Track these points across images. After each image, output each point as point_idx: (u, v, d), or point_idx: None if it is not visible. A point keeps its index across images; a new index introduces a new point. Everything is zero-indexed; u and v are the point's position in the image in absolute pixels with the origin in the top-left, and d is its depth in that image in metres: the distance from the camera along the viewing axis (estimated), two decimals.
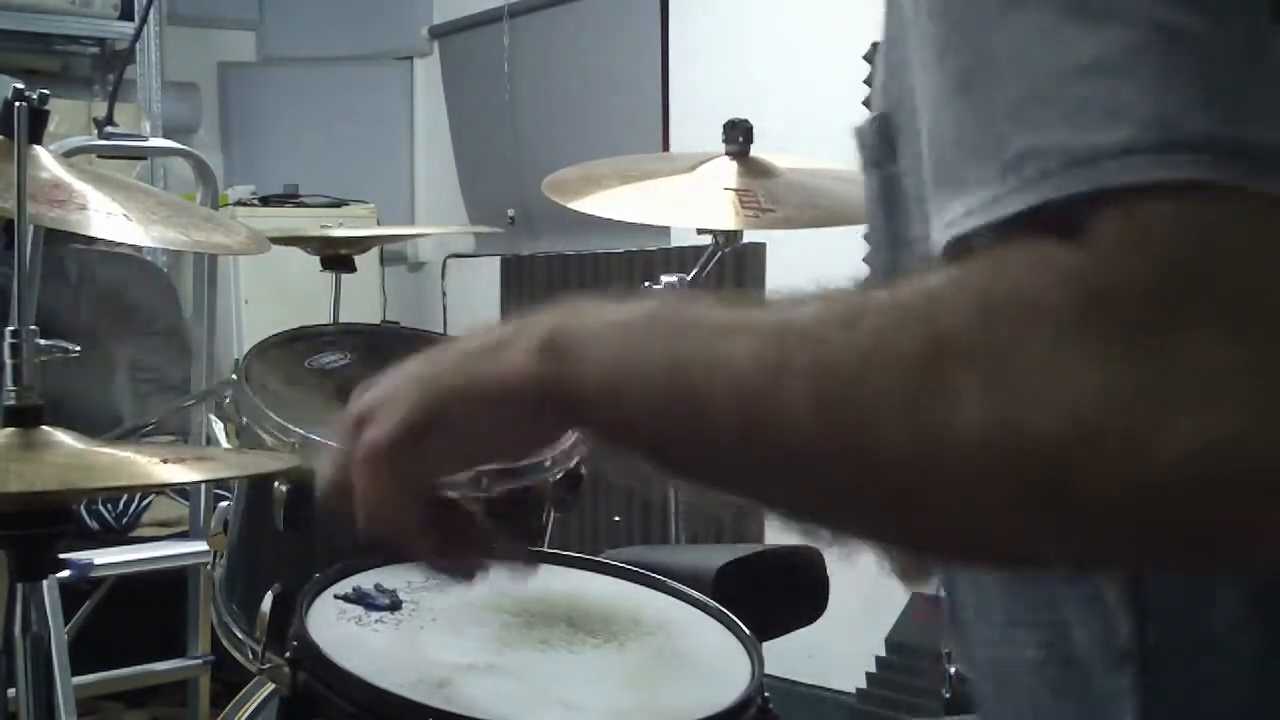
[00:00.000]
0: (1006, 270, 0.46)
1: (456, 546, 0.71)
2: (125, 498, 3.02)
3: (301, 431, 1.29)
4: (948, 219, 0.49)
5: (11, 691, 1.29)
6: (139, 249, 3.57)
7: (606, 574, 1.16)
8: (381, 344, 1.61)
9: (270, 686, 1.33)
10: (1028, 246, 0.46)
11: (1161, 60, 0.46)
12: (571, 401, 0.58)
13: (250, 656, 1.25)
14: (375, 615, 1.02)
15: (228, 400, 1.44)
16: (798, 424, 0.49)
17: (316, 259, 2.14)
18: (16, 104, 1.28)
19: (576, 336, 0.57)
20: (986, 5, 0.50)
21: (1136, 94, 0.45)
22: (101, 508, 3.00)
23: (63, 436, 1.19)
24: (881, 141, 0.66)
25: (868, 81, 2.93)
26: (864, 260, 0.71)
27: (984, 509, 0.47)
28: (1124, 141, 0.45)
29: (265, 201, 4.09)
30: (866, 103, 3.28)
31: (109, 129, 2.06)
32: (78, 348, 1.33)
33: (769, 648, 1.03)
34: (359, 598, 1.04)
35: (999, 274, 0.46)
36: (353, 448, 0.66)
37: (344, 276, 2.13)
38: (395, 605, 1.03)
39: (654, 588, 1.13)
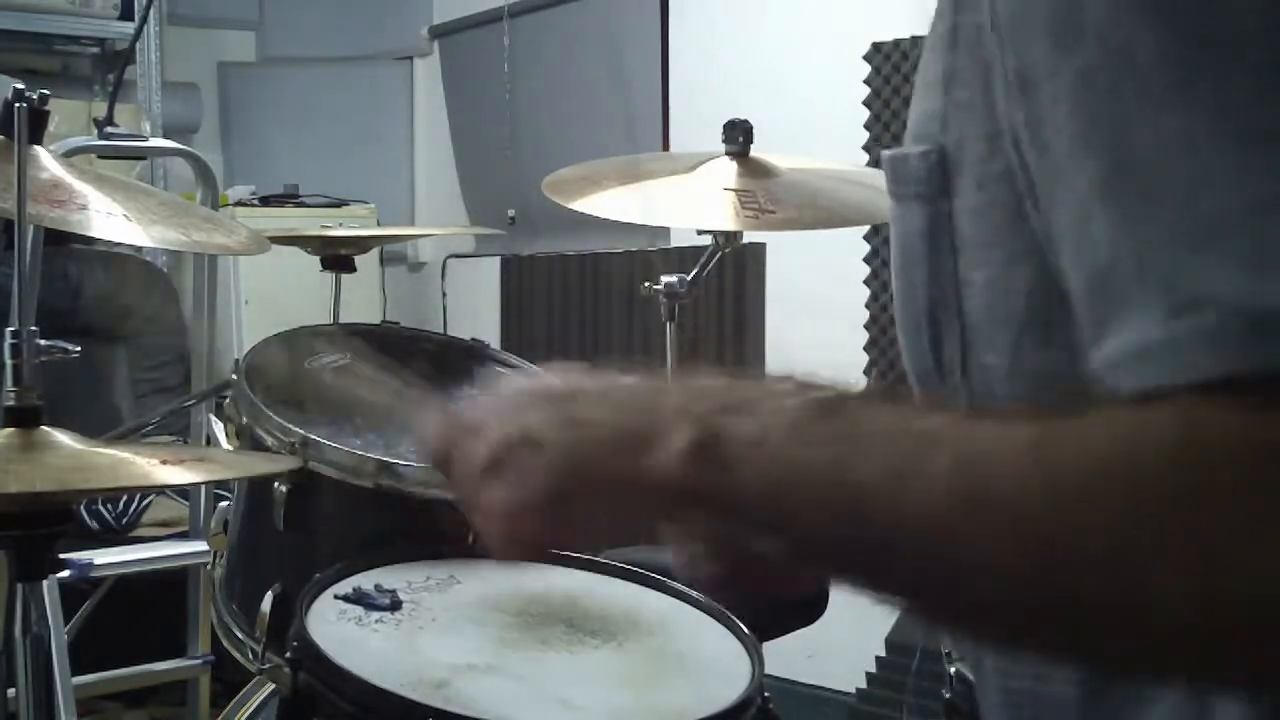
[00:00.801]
0: (1204, 439, 0.46)
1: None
2: (125, 498, 3.02)
3: (301, 431, 1.29)
4: (1110, 347, 0.50)
5: (11, 691, 1.29)
6: (139, 249, 3.57)
7: (606, 574, 1.16)
8: (381, 344, 1.61)
9: (270, 686, 1.33)
10: (1221, 410, 0.46)
11: None
12: (724, 510, 0.57)
13: (250, 656, 1.24)
14: (375, 615, 1.02)
15: (228, 400, 1.44)
16: (984, 560, 0.50)
17: (316, 259, 2.14)
18: (16, 104, 1.28)
19: (734, 443, 0.56)
20: (1146, 87, 0.49)
21: None
22: (101, 508, 3.00)
23: (63, 437, 1.19)
24: (934, 176, 0.64)
25: (868, 82, 2.94)
26: (897, 294, 0.70)
27: (1185, 663, 0.48)
28: None
29: (265, 201, 4.09)
30: (867, 103, 3.27)
31: (109, 129, 2.06)
32: (78, 348, 1.33)
33: (769, 648, 1.03)
34: (359, 598, 1.04)
35: (1197, 439, 0.46)
36: (479, 489, 0.65)
37: (344, 276, 2.13)
38: (395, 605, 1.03)
39: (654, 588, 1.13)
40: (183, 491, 2.64)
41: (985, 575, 0.50)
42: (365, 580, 1.06)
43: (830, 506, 0.54)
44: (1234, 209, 0.46)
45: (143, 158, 3.72)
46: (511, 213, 3.95)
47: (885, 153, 0.69)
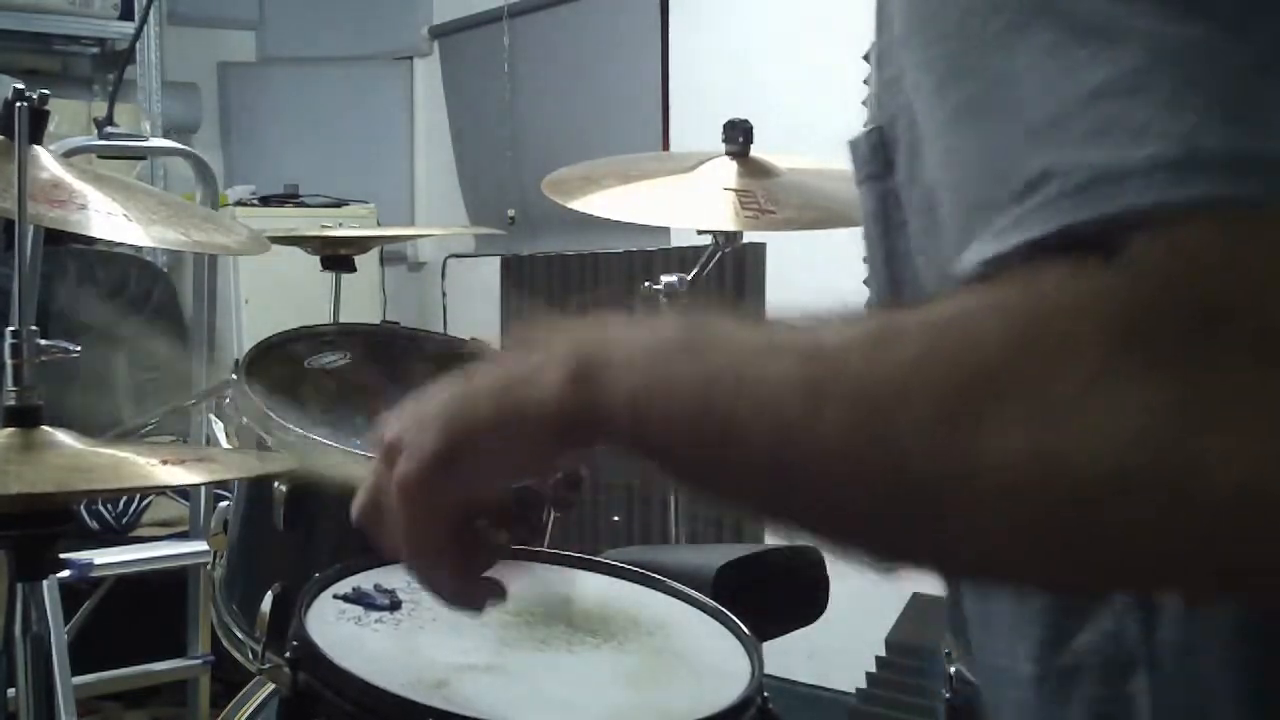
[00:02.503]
0: (1040, 295, 0.45)
1: (476, 575, 0.72)
2: (125, 498, 3.02)
3: (301, 431, 1.29)
4: (974, 245, 0.49)
5: (11, 691, 1.29)
6: (139, 249, 3.57)
7: (606, 574, 1.16)
8: (381, 344, 1.61)
9: (270, 686, 1.33)
10: (1059, 268, 0.45)
11: (1177, 76, 0.45)
12: (601, 426, 0.58)
13: (250, 656, 1.24)
14: (375, 615, 1.02)
15: (228, 400, 1.44)
16: (830, 448, 0.49)
17: (316, 259, 2.14)
18: (16, 104, 1.28)
19: (605, 361, 0.57)
20: (988, 30, 0.49)
21: (1154, 111, 0.45)
22: (101, 508, 3.00)
23: (63, 437, 1.19)
24: (876, 155, 0.66)
25: (868, 82, 2.93)
26: (864, 280, 0.71)
27: (1020, 538, 0.46)
28: (1148, 160, 0.44)
29: (265, 201, 4.09)
30: (867, 103, 3.27)
31: (109, 129, 2.06)
32: (78, 348, 1.33)
33: (769, 648, 1.03)
34: (359, 598, 1.04)
35: (1032, 298, 0.46)
36: (385, 476, 0.66)
37: (344, 276, 2.13)
38: (395, 605, 1.03)
39: (654, 588, 1.13)
40: (183, 491, 2.64)
41: (831, 464, 0.49)
42: (365, 580, 1.06)
43: (685, 406, 0.54)
44: (1077, 97, 0.46)
45: (143, 158, 3.73)
46: (511, 213, 3.95)
47: (848, 141, 0.70)
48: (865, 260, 0.70)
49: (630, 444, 0.58)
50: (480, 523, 0.71)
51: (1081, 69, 0.46)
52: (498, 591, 0.74)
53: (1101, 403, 0.43)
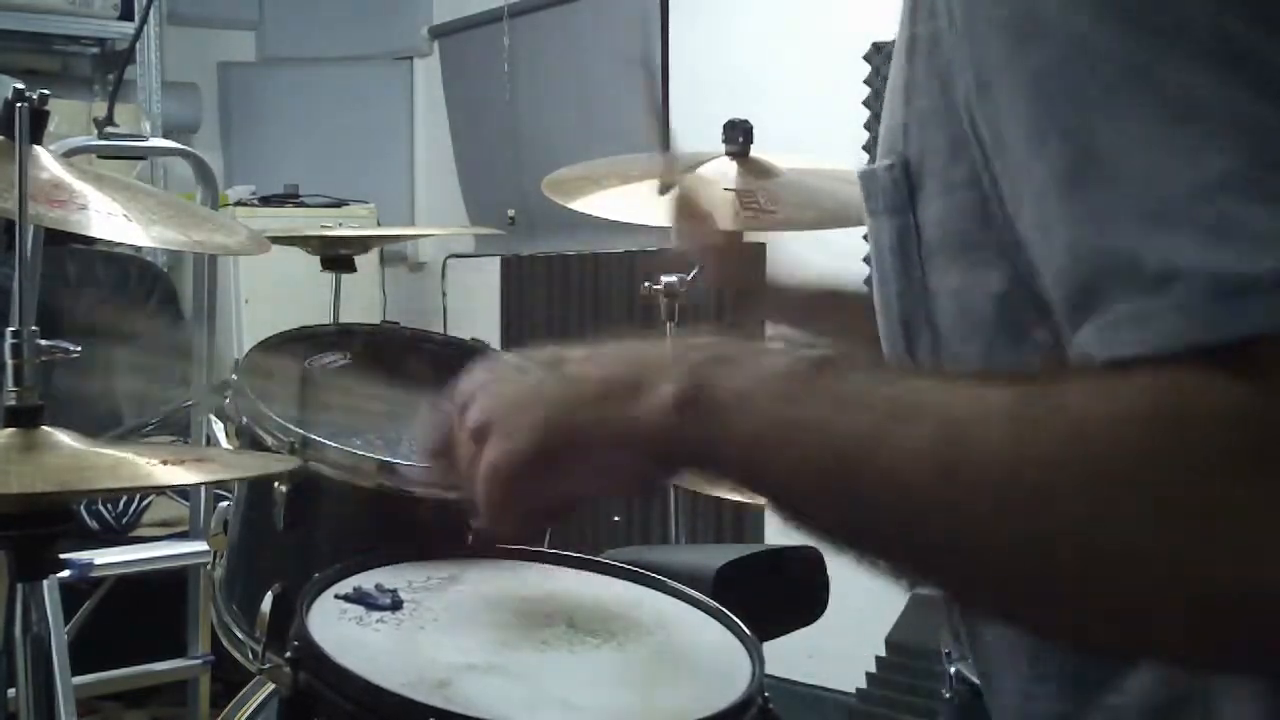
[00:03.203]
0: (1179, 405, 0.46)
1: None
2: (125, 498, 3.02)
3: (301, 431, 1.29)
4: (1092, 326, 0.50)
5: (11, 691, 1.29)
6: (139, 249, 3.57)
7: (606, 574, 1.15)
8: (381, 344, 1.60)
9: (270, 686, 1.33)
10: (1195, 376, 0.46)
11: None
12: (710, 459, 0.57)
13: (250, 656, 1.24)
14: (376, 615, 1.01)
15: (228, 400, 1.44)
16: (962, 538, 0.50)
17: (316, 259, 2.14)
18: (17, 104, 1.28)
19: (721, 394, 0.56)
20: (1092, 84, 0.49)
21: (1272, 216, 0.45)
22: (101, 508, 3.00)
23: (63, 437, 1.19)
24: (899, 189, 0.65)
25: (868, 82, 2.93)
26: (875, 306, 0.70)
27: (1159, 635, 0.48)
28: (1270, 274, 0.45)
29: (265, 201, 4.09)
30: (867, 103, 3.28)
31: (109, 129, 2.06)
32: (78, 348, 1.33)
33: (769, 648, 1.03)
34: (359, 598, 1.03)
35: (1171, 407, 0.47)
36: (469, 453, 0.65)
37: (344, 276, 2.13)
38: (396, 605, 1.03)
39: (654, 588, 1.12)
40: (183, 491, 2.64)
41: (962, 539, 0.50)
42: (365, 580, 1.06)
43: (813, 463, 0.54)
44: (1191, 188, 0.47)
45: (143, 158, 3.72)
46: (511, 213, 3.94)
47: (858, 170, 0.69)
48: (875, 290, 0.69)
49: (737, 480, 0.58)
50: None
51: (1193, 156, 0.47)
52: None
53: (1245, 509, 0.45)
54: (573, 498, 0.68)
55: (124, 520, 3.05)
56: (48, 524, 1.15)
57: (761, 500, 0.58)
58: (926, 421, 0.51)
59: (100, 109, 2.61)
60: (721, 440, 0.56)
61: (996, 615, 0.55)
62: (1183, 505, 0.45)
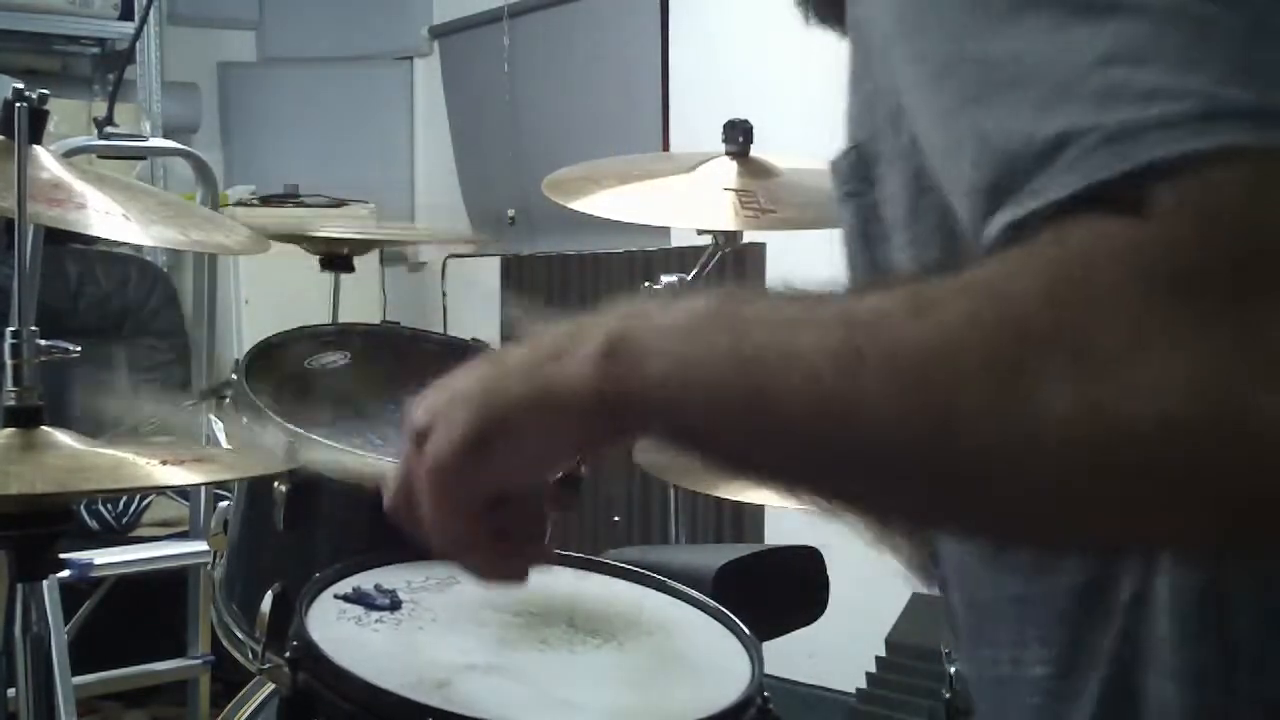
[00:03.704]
0: (1072, 251, 0.45)
1: (515, 551, 0.72)
2: (125, 498, 3.02)
3: (301, 431, 1.29)
4: (997, 216, 0.49)
5: (11, 691, 1.29)
6: (139, 249, 3.57)
7: (606, 574, 1.16)
8: (381, 344, 1.61)
9: (270, 686, 1.33)
10: (1089, 225, 0.45)
11: (1181, 42, 0.46)
12: (635, 407, 0.57)
13: (250, 656, 1.24)
14: (375, 615, 1.02)
15: (228, 400, 1.44)
16: (875, 416, 0.49)
17: (316, 259, 2.14)
18: (16, 104, 1.28)
19: (637, 340, 0.57)
20: (985, 16, 0.50)
21: (1165, 75, 0.45)
22: (101, 508, 3.00)
23: (63, 437, 1.19)
24: (856, 173, 0.66)
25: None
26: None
27: (1071, 495, 0.46)
28: (1162, 116, 0.44)
29: (265, 201, 4.09)
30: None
31: (109, 129, 2.06)
32: (78, 348, 1.33)
33: (769, 648, 1.03)
34: (359, 598, 1.04)
35: (1066, 256, 0.45)
36: (414, 462, 0.65)
37: (344, 276, 2.13)
38: (395, 605, 1.03)
39: (654, 588, 1.13)
40: (183, 491, 2.64)
41: (870, 435, 0.49)
42: (365, 580, 1.06)
43: (724, 382, 0.54)
44: (1085, 66, 0.47)
45: (143, 158, 3.72)
46: (511, 213, 3.94)
47: (829, 162, 0.70)
48: (849, 277, 0.70)
49: (664, 424, 0.58)
50: (515, 504, 0.71)
51: (1085, 43, 0.47)
52: (539, 559, 0.74)
53: (1149, 353, 0.43)
54: (519, 480, 0.68)
55: (124, 520, 3.05)
56: (48, 524, 1.15)
57: (690, 453, 0.58)
58: (830, 326, 0.51)
59: (100, 109, 2.61)
60: (640, 387, 0.56)
61: (927, 520, 0.54)
62: (1092, 348, 0.44)
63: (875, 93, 0.61)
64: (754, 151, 1.81)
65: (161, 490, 2.87)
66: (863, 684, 2.88)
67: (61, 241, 3.07)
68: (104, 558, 2.12)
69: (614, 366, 0.57)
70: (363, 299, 3.80)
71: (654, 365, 0.56)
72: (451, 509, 0.65)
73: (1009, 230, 0.48)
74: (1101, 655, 0.59)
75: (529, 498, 0.73)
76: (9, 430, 1.19)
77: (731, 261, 2.86)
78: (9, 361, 1.23)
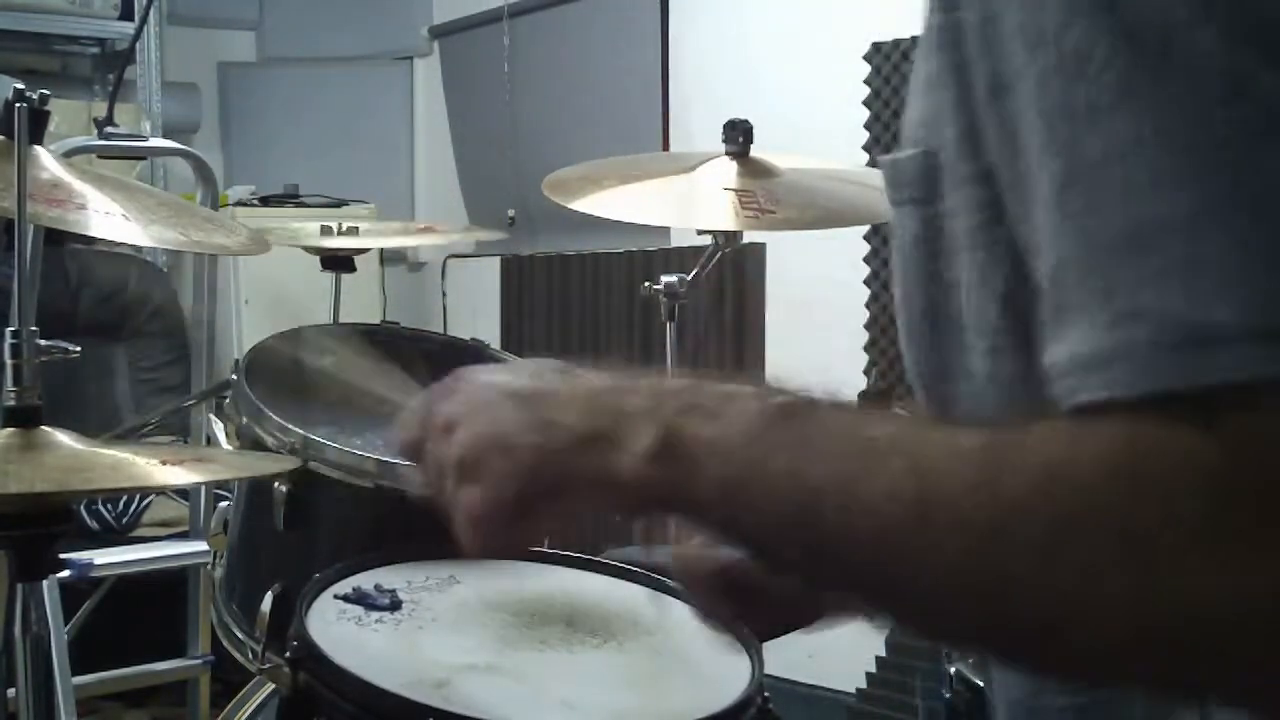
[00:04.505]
0: (1143, 452, 0.48)
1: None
2: (125, 498, 3.02)
3: (301, 431, 1.29)
4: (1056, 353, 0.51)
5: (11, 691, 1.29)
6: (139, 249, 3.57)
7: (606, 574, 1.16)
8: (381, 344, 1.61)
9: (270, 686, 1.33)
10: (1159, 424, 0.47)
11: (1260, 217, 0.46)
12: (688, 511, 0.59)
13: (250, 656, 1.24)
14: (375, 615, 1.02)
15: (228, 400, 1.44)
16: (936, 572, 0.51)
17: (316, 259, 2.14)
18: (16, 104, 1.28)
19: (694, 443, 0.58)
20: (1080, 106, 0.50)
21: (1245, 264, 0.46)
22: (101, 508, 3.00)
23: (63, 437, 1.19)
24: (924, 180, 0.65)
25: (868, 82, 2.94)
26: (898, 300, 0.70)
27: (1112, 667, 0.50)
28: (1237, 324, 0.46)
29: (265, 201, 4.08)
30: (867, 103, 3.27)
31: (109, 129, 2.06)
32: (78, 348, 1.33)
33: (769, 648, 1.03)
34: (359, 598, 1.04)
35: (1137, 455, 0.48)
36: (449, 487, 0.66)
37: (344, 276, 2.13)
38: (395, 605, 1.03)
39: (654, 588, 1.13)
40: (183, 491, 2.64)
41: (930, 582, 0.52)
42: (365, 580, 1.06)
43: (784, 507, 0.55)
44: (1167, 220, 0.47)
45: (143, 158, 3.72)
46: (511, 213, 3.94)
47: (883, 159, 0.69)
48: (897, 285, 0.69)
49: (712, 526, 0.59)
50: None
51: (1171, 186, 0.47)
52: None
53: (1201, 561, 0.46)
54: (549, 531, 0.71)
55: (124, 520, 3.05)
56: (48, 524, 1.15)
57: (740, 547, 0.60)
58: (896, 463, 0.52)
59: (100, 109, 2.60)
60: (693, 489, 0.57)
61: (966, 649, 0.57)
62: (1148, 547, 0.47)
63: (951, 105, 0.60)
64: (754, 151, 1.81)
65: (161, 490, 2.87)
66: (863, 684, 2.88)
67: (61, 241, 3.07)
68: (104, 558, 2.11)
69: (666, 472, 0.58)
70: (363, 299, 3.80)
71: (710, 475, 0.57)
72: (482, 540, 0.67)
73: (1079, 405, 0.50)
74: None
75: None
76: (9, 430, 1.19)
77: (731, 261, 2.87)
78: (9, 361, 1.23)
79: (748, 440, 0.56)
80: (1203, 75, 0.47)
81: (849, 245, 2.78)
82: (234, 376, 1.43)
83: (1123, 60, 0.49)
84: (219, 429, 1.97)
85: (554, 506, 0.64)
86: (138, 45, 3.80)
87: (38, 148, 1.39)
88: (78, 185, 1.43)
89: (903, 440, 0.54)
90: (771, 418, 0.57)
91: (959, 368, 0.64)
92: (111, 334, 3.61)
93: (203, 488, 2.26)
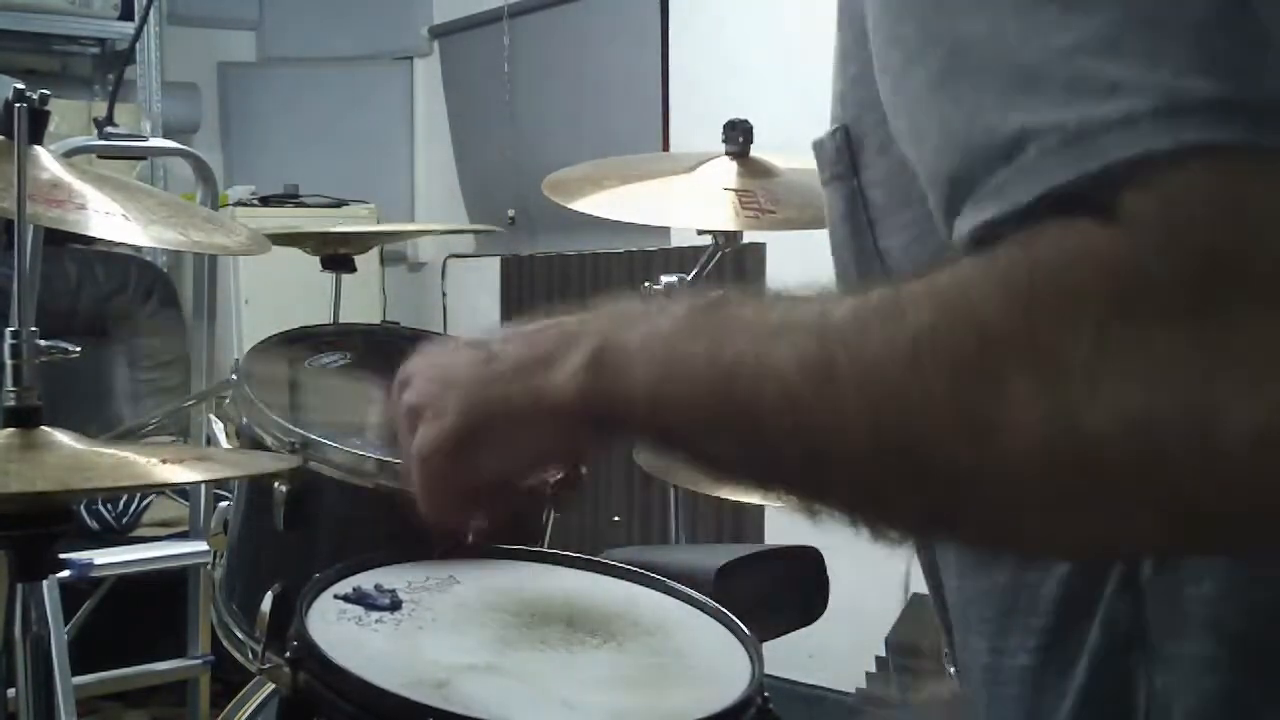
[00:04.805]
0: (1040, 258, 0.45)
1: (496, 530, 0.75)
2: (125, 498, 3.02)
3: (301, 431, 1.29)
4: (963, 212, 0.49)
5: (11, 691, 1.29)
6: (139, 249, 3.57)
7: (606, 574, 1.16)
8: (381, 344, 1.61)
9: (270, 686, 1.33)
10: (1055, 230, 0.45)
11: (1145, 34, 0.45)
12: (619, 417, 0.59)
13: (250, 656, 1.24)
14: (375, 615, 1.01)
15: (228, 400, 1.44)
16: (848, 428, 0.49)
17: (316, 259, 2.14)
18: (16, 104, 1.28)
19: (620, 350, 0.58)
20: None
21: (1128, 67, 0.45)
22: (101, 508, 3.00)
23: (63, 437, 1.19)
24: (842, 155, 0.66)
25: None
26: (836, 278, 0.71)
27: (1043, 505, 0.47)
28: (1124, 112, 0.44)
29: (265, 201, 4.09)
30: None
31: (109, 129, 2.06)
32: (78, 348, 1.33)
33: (769, 648, 1.03)
34: (359, 598, 1.03)
35: (1033, 263, 0.46)
36: (406, 430, 0.68)
37: (344, 276, 2.13)
38: (395, 605, 1.03)
39: (654, 588, 1.12)
40: (182, 491, 2.64)
41: (849, 445, 0.50)
42: (365, 580, 1.06)
43: (703, 395, 0.55)
44: (1049, 54, 0.46)
45: (143, 158, 3.72)
46: (511, 213, 3.94)
47: (812, 141, 0.70)
48: (834, 260, 0.71)
49: (647, 433, 0.59)
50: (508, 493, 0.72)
51: (1050, 30, 0.46)
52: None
53: (1113, 361, 0.43)
54: (507, 476, 0.71)
55: (124, 520, 3.05)
56: (48, 524, 1.15)
57: (677, 459, 0.60)
58: (805, 335, 0.51)
59: (100, 109, 2.60)
60: (625, 393, 0.58)
61: (907, 527, 0.55)
62: (1056, 357, 0.44)
63: (862, 74, 0.61)
64: (754, 151, 1.81)
65: (161, 490, 2.87)
66: (863, 684, 2.88)
67: (61, 241, 3.07)
68: (104, 558, 2.11)
69: (598, 379, 0.59)
70: (363, 299, 3.80)
71: (636, 376, 0.57)
72: (434, 489, 0.67)
73: (974, 233, 0.48)
74: (1086, 645, 0.59)
75: (524, 487, 0.75)
76: (9, 430, 1.19)
77: (731, 261, 2.87)
78: (9, 361, 1.23)
79: (670, 336, 0.56)
80: None
81: None
82: (234, 376, 1.43)
83: None
84: (219, 429, 1.97)
85: (500, 436, 0.64)
86: (138, 45, 3.80)
87: (38, 148, 1.39)
88: (78, 185, 1.43)
89: (807, 309, 0.53)
90: (694, 312, 0.57)
91: None
92: (111, 334, 3.61)
93: (203, 488, 2.27)
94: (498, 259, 3.99)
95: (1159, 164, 0.44)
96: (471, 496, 0.69)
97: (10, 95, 1.30)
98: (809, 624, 1.44)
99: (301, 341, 1.55)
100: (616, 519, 3.30)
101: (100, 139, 2.06)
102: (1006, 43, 0.47)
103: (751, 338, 0.53)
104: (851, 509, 0.54)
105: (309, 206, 4.06)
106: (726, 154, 1.80)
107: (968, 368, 0.46)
